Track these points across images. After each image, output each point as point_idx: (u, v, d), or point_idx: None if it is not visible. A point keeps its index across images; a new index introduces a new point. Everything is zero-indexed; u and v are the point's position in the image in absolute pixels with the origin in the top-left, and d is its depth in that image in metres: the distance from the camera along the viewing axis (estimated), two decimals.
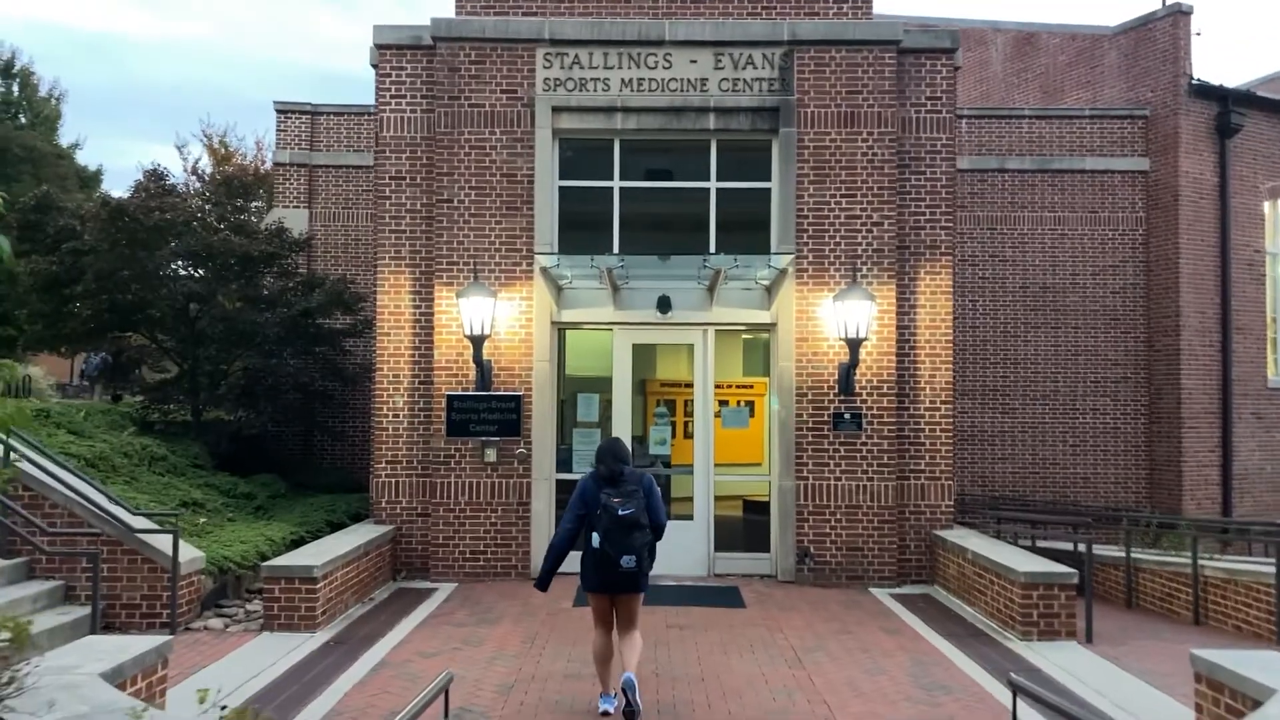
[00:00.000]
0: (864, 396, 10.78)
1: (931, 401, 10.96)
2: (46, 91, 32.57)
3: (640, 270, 10.79)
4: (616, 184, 11.17)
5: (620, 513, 5.99)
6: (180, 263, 13.06)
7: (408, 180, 11.11)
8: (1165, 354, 16.31)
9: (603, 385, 11.31)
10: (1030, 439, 16.77)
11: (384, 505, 11.02)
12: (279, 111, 17.03)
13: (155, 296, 13.02)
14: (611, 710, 6.21)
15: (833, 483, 10.74)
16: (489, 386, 10.77)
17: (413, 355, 11.04)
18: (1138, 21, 17.11)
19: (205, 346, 14.19)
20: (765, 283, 10.97)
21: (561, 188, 11.16)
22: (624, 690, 5.97)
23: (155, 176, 14.22)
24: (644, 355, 11.62)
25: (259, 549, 10.00)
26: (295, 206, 16.81)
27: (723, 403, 11.38)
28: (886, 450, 10.74)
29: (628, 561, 5.99)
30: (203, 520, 10.75)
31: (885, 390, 10.78)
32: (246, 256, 13.33)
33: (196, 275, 13.25)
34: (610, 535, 5.99)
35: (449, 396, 10.78)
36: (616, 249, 10.80)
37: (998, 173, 16.88)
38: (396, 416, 11.04)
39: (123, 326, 13.66)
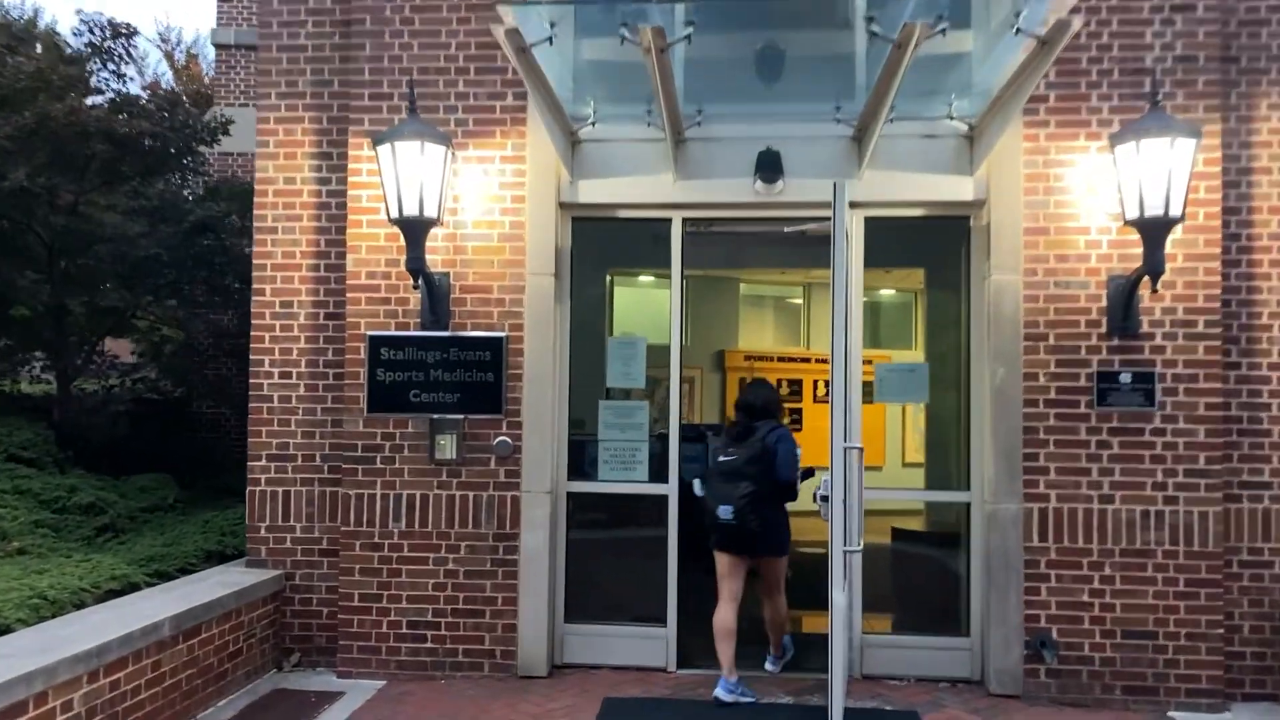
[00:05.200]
0: (1157, 339, 5.60)
1: None
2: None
3: (723, 105, 5.77)
4: None
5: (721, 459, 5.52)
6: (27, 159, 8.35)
7: None
8: None
9: (656, 357, 6.29)
10: None
11: (263, 534, 6.19)
12: None
13: None
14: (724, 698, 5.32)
15: (1096, 507, 5.57)
16: (445, 322, 5.87)
17: (315, 266, 6.19)
18: None
19: (81, 286, 9.62)
20: (970, 122, 5.78)
21: None
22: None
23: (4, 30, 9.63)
24: (722, 296, 6.58)
25: (3, 617, 5.26)
26: (240, 104, 12.21)
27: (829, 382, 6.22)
28: (1201, 445, 5.53)
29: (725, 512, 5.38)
30: None
31: (1200, 328, 5.57)
32: (112, 139, 8.63)
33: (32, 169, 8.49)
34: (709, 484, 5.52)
35: (372, 339, 5.90)
36: (681, 84, 5.60)
37: None
38: (286, 376, 6.20)
39: None
